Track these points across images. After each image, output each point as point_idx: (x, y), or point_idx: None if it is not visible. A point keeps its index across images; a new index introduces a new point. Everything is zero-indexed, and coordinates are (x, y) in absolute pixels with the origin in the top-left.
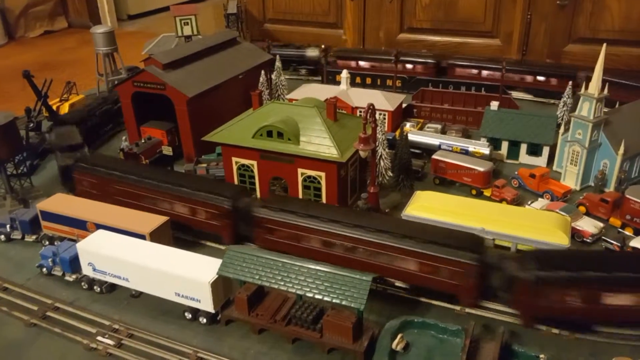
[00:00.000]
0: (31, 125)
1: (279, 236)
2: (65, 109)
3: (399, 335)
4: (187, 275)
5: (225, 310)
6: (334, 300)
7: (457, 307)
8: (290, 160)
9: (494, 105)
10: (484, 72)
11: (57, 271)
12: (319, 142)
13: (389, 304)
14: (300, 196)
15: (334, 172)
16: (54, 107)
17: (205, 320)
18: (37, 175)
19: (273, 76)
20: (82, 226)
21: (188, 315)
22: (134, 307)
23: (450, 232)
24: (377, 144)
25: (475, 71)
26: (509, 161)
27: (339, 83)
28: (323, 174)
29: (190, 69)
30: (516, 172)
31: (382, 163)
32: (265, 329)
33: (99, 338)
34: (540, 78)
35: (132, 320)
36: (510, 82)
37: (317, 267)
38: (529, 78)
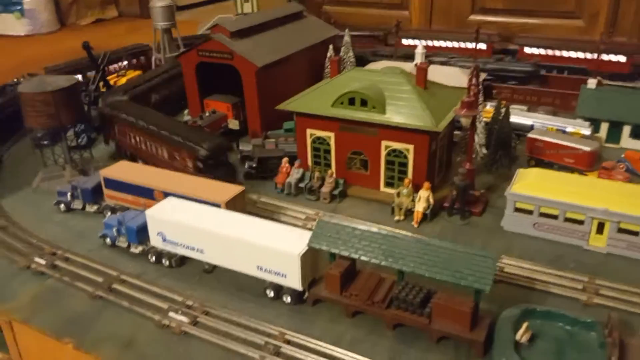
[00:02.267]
0: (87, 98)
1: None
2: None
3: (524, 325)
4: (274, 246)
5: (312, 288)
6: (450, 280)
7: (584, 297)
8: (373, 132)
9: (592, 83)
10: (567, 54)
11: (122, 242)
12: (408, 111)
13: (499, 289)
14: (382, 173)
15: (425, 144)
16: (112, 82)
17: (289, 299)
18: (94, 149)
19: (341, 52)
20: (149, 195)
21: (270, 293)
22: (207, 283)
23: None
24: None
25: (557, 53)
26: (608, 145)
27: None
28: (411, 147)
29: (258, 39)
30: (622, 155)
31: (476, 138)
32: (360, 312)
33: (172, 314)
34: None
35: (206, 297)
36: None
37: (427, 242)
38: (619, 60)
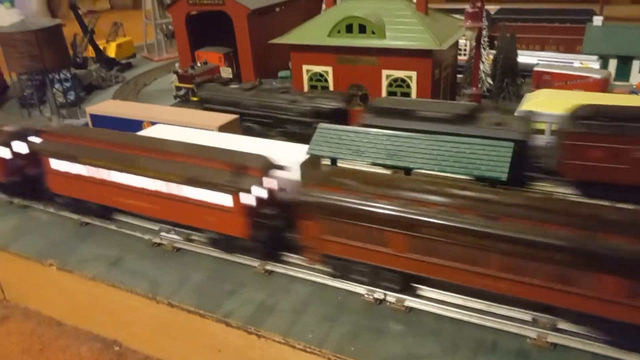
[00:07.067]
0: (77, 59)
1: None
2: (112, 49)
3: None
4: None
5: None
6: (462, 173)
7: None
8: (373, 62)
9: (597, 20)
10: None
11: None
12: (409, 34)
13: None
14: None
15: (428, 70)
16: (101, 47)
17: None
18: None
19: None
20: (138, 128)
21: None
22: None
23: None
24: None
25: None
26: (617, 83)
27: None
28: (414, 74)
29: None
30: (634, 86)
31: (481, 67)
32: None
33: (163, 234)
34: None
35: None
36: None
37: (436, 137)
38: None
